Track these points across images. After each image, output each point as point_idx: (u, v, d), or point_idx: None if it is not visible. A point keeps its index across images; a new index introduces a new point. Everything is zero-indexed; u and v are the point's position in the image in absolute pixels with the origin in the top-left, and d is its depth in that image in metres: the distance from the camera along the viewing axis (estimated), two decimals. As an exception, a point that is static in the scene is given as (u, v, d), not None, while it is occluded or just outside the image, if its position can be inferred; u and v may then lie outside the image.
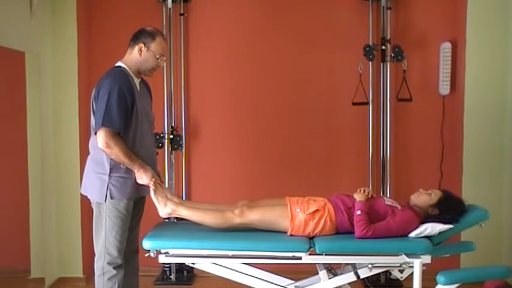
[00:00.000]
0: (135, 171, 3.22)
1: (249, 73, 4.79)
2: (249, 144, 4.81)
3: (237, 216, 3.34)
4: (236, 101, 4.80)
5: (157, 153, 4.50)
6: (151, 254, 3.25)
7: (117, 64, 3.32)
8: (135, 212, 3.37)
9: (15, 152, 4.09)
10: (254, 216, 3.35)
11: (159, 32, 3.37)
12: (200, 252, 3.24)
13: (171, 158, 4.70)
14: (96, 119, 3.18)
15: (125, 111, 3.16)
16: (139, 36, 3.31)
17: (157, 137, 4.54)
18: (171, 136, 4.66)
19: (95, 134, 3.18)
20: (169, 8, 4.61)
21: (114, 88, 3.14)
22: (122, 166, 3.21)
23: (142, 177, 3.23)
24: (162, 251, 3.26)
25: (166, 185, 4.65)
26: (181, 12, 4.70)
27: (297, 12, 4.75)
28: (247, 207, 3.41)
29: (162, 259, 3.25)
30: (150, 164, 3.34)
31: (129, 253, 3.38)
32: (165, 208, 3.36)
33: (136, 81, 3.33)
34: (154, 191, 3.31)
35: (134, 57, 3.30)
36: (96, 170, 3.25)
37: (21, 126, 4.14)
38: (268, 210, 3.40)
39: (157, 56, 3.30)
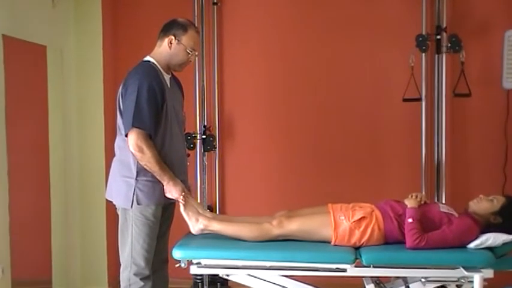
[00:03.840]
0: (164, 183, 3.22)
1: (286, 67, 4.80)
2: (288, 145, 4.82)
3: (276, 227, 3.35)
4: (273, 98, 4.82)
5: (189, 155, 4.57)
6: (182, 265, 3.30)
7: (145, 58, 3.35)
8: (164, 218, 3.40)
9: (37, 154, 4.19)
10: (294, 226, 3.36)
11: (191, 24, 3.38)
12: (235, 262, 3.26)
13: (203, 160, 4.75)
14: (125, 120, 3.20)
15: (155, 110, 3.18)
16: (170, 27, 3.33)
17: (189, 138, 4.59)
18: (204, 136, 4.70)
19: (125, 135, 3.21)
20: (202, -4, 4.67)
21: (143, 85, 3.17)
22: None
23: (172, 191, 3.24)
24: (194, 261, 3.29)
25: (199, 189, 4.71)
26: (215, 1, 4.74)
27: (340, 0, 4.74)
28: (286, 217, 3.42)
29: (194, 270, 3.28)
30: (180, 169, 3.38)
31: (158, 263, 3.41)
32: (196, 224, 3.39)
33: (167, 77, 3.36)
34: (184, 206, 3.35)
35: (164, 50, 3.33)
36: (122, 173, 3.29)
37: (42, 126, 4.24)
38: (309, 218, 3.41)
39: (188, 50, 3.31)
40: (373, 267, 3.19)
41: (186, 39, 3.31)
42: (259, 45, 4.81)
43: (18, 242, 3.80)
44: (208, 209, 4.71)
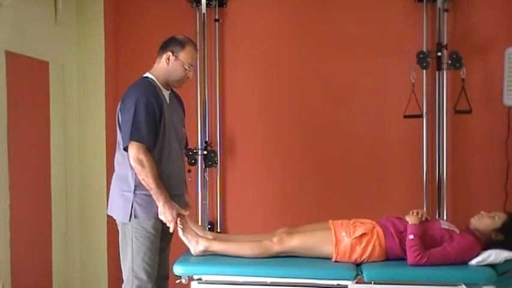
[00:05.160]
0: (159, 203, 3.21)
1: (289, 83, 4.82)
2: (289, 162, 4.82)
3: (276, 244, 3.36)
4: (275, 114, 4.83)
5: (190, 171, 4.59)
6: (183, 281, 3.30)
7: (144, 75, 3.39)
8: (164, 233, 3.40)
9: (38, 169, 4.20)
10: (295, 242, 3.37)
11: (189, 41, 3.42)
12: (236, 279, 3.26)
13: (204, 176, 4.75)
14: (124, 134, 3.23)
15: (153, 125, 3.21)
16: (168, 44, 3.38)
17: (190, 153, 4.60)
18: (205, 152, 4.70)
19: (124, 149, 3.23)
20: (203, 14, 4.69)
21: (141, 100, 3.20)
22: None
23: (166, 214, 3.22)
24: (195, 277, 3.29)
25: (200, 205, 4.71)
26: (216, 17, 4.77)
27: (341, 17, 4.78)
28: (287, 234, 3.44)
29: (195, 286, 3.28)
30: (178, 184, 3.39)
31: (159, 280, 3.41)
32: (197, 246, 3.40)
33: (166, 92, 3.39)
34: (183, 229, 3.37)
35: (162, 66, 3.36)
36: (120, 187, 3.30)
37: (44, 141, 4.25)
38: (310, 235, 3.42)
39: (186, 66, 3.34)
40: (374, 283, 3.18)
41: (183, 55, 3.34)
42: (260, 61, 4.83)
43: (18, 257, 3.80)
44: (209, 225, 4.72)
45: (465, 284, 3.14)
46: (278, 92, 4.83)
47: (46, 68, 4.26)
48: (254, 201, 4.86)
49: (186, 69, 3.35)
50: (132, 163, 3.18)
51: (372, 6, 4.75)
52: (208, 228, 4.64)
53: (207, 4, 4.68)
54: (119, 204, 3.31)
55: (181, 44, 3.35)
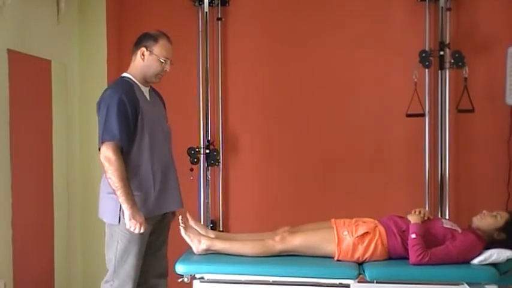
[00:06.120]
0: (126, 206, 3.12)
1: (291, 82, 4.82)
2: (291, 160, 4.83)
3: (279, 243, 3.37)
4: (277, 112, 4.83)
5: (192, 170, 4.61)
6: (185, 280, 3.30)
7: (122, 74, 3.39)
8: (159, 231, 3.40)
9: (40, 168, 4.20)
10: (297, 241, 3.37)
11: (162, 34, 3.39)
12: (238, 277, 3.26)
13: (207, 175, 4.75)
14: (99, 135, 3.22)
15: (126, 123, 3.18)
16: (141, 40, 3.36)
17: (192, 152, 4.61)
18: (207, 151, 4.70)
19: (99, 149, 3.21)
20: (206, 12, 4.69)
21: (113, 99, 3.19)
22: (133, 182, 3.20)
23: (136, 217, 3.13)
24: (197, 276, 3.30)
25: (202, 204, 4.71)
26: (219, 16, 4.78)
27: (343, 16, 4.78)
28: (289, 232, 3.44)
29: (197, 285, 3.28)
30: (167, 178, 3.35)
31: (155, 278, 3.42)
32: (199, 245, 3.41)
33: (145, 89, 3.38)
34: (185, 228, 3.38)
35: (138, 63, 3.35)
36: (108, 189, 3.22)
37: (46, 140, 4.25)
38: (312, 234, 3.42)
39: (161, 60, 3.31)
40: (377, 282, 3.18)
41: (157, 49, 3.32)
42: (262, 60, 4.84)
43: (20, 256, 3.80)
44: (211, 223, 4.72)
45: (467, 283, 3.14)
46: (280, 90, 4.83)
47: (48, 67, 4.26)
48: (256, 200, 4.86)
49: (162, 62, 3.32)
50: (102, 161, 3.15)
51: (375, 5, 4.75)
52: (211, 227, 4.64)
53: (209, 3, 4.68)
54: (107, 207, 3.27)
55: (154, 38, 3.33)
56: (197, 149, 4.68)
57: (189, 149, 4.63)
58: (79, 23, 4.63)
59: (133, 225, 3.14)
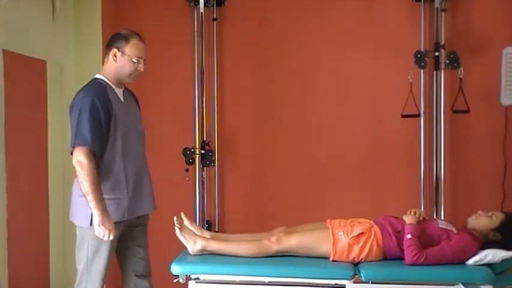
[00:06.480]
0: (97, 211, 3.10)
1: (286, 83, 4.82)
2: (287, 160, 4.83)
3: (274, 244, 3.37)
4: (273, 113, 4.84)
5: (188, 170, 4.60)
6: (181, 280, 3.30)
7: (95, 76, 3.35)
8: (136, 233, 3.40)
9: (35, 169, 4.19)
10: (292, 242, 3.37)
11: (133, 33, 3.35)
12: (234, 278, 3.26)
13: (202, 175, 4.74)
14: (71, 139, 3.18)
15: (98, 127, 3.14)
16: (112, 41, 3.32)
17: (188, 152, 4.60)
18: (203, 151, 4.70)
19: (71, 154, 3.18)
20: (202, 13, 4.69)
21: (85, 102, 3.15)
22: (106, 185, 3.18)
23: (105, 224, 3.11)
24: (192, 276, 3.30)
25: (197, 205, 4.71)
26: (215, 17, 4.77)
27: (339, 17, 4.78)
28: (285, 233, 3.44)
29: (192, 286, 3.28)
30: (141, 181, 3.34)
31: (137, 278, 3.42)
32: (195, 245, 3.41)
33: (118, 91, 3.34)
34: (180, 229, 3.38)
35: (110, 64, 3.30)
36: (79, 193, 3.19)
37: (41, 141, 4.24)
38: (307, 234, 3.42)
39: (134, 60, 3.26)
40: (372, 283, 3.19)
41: (129, 49, 3.27)
42: (258, 60, 4.84)
43: (16, 257, 3.79)
44: (207, 224, 4.72)
45: (462, 284, 3.14)
46: (276, 91, 4.84)
47: (44, 67, 4.25)
48: (252, 201, 4.86)
49: (134, 62, 3.27)
50: (75, 165, 3.13)
51: (370, 6, 4.76)
52: (206, 227, 4.64)
53: (205, 3, 4.68)
54: (77, 209, 3.25)
55: (126, 38, 3.29)
56: (193, 150, 4.68)
57: (184, 149, 4.63)
58: (75, 23, 4.62)
59: (102, 232, 3.12)
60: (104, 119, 3.17)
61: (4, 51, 3.68)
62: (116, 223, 3.19)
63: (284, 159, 4.84)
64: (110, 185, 3.21)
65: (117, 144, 3.23)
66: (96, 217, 3.10)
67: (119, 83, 3.35)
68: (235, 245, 3.42)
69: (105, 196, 3.16)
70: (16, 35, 3.87)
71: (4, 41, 3.71)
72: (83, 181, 3.09)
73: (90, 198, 3.09)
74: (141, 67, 3.30)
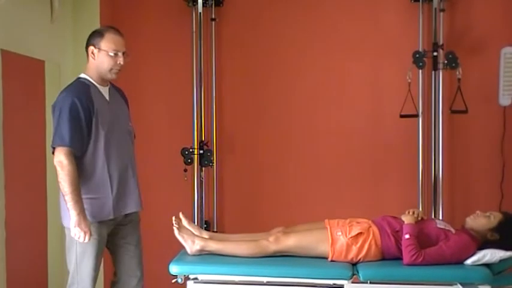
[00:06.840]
0: (74, 212, 3.08)
1: (285, 83, 4.82)
2: (285, 160, 4.83)
3: (273, 244, 3.37)
4: (271, 113, 4.84)
5: (186, 170, 4.60)
6: (179, 280, 3.30)
7: (79, 75, 3.33)
8: (125, 231, 3.39)
9: (34, 168, 4.19)
10: (291, 242, 3.37)
11: (109, 28, 3.32)
12: (232, 278, 3.26)
13: (200, 175, 4.74)
14: (52, 139, 3.17)
15: (78, 128, 3.12)
16: (89, 39, 3.30)
17: (186, 152, 4.60)
18: (201, 151, 4.69)
19: (52, 153, 3.17)
20: (200, 13, 4.68)
21: (65, 102, 3.13)
22: (89, 185, 3.18)
23: (82, 225, 3.09)
24: (191, 276, 3.30)
25: (196, 205, 4.71)
26: (213, 17, 4.77)
27: (337, 17, 4.78)
28: (283, 233, 3.45)
29: (191, 286, 3.28)
30: (128, 184, 3.32)
31: (129, 277, 3.41)
32: (193, 246, 3.41)
33: (103, 89, 3.31)
34: (178, 229, 3.39)
35: (91, 63, 3.28)
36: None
37: (40, 140, 4.24)
38: (306, 234, 3.42)
39: (111, 54, 3.22)
40: (370, 283, 3.19)
41: (104, 44, 3.24)
42: (257, 61, 4.84)
43: (14, 256, 3.79)
44: (205, 224, 4.72)
45: (461, 284, 3.15)
46: (274, 91, 4.84)
47: (42, 67, 4.25)
48: (250, 201, 4.86)
49: (112, 56, 3.23)
50: (55, 165, 3.12)
51: (369, 6, 4.76)
52: (205, 227, 4.64)
53: (203, 3, 4.67)
54: (63, 209, 3.24)
55: (100, 34, 3.26)
56: (191, 150, 4.67)
57: (182, 149, 4.63)
58: (73, 23, 4.62)
59: (78, 233, 3.11)
60: (84, 119, 3.14)
61: (2, 51, 3.68)
62: (102, 222, 3.20)
63: (282, 160, 4.84)
64: (94, 185, 3.21)
65: (99, 144, 3.21)
66: (73, 218, 3.09)
67: (103, 80, 3.31)
68: (234, 245, 3.42)
69: (89, 195, 3.17)
70: (14, 35, 3.87)
71: (2, 41, 3.71)
72: (62, 181, 3.09)
73: (68, 198, 3.09)
74: (120, 60, 3.25)
